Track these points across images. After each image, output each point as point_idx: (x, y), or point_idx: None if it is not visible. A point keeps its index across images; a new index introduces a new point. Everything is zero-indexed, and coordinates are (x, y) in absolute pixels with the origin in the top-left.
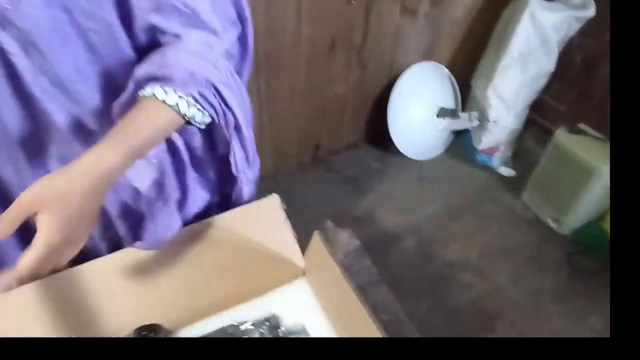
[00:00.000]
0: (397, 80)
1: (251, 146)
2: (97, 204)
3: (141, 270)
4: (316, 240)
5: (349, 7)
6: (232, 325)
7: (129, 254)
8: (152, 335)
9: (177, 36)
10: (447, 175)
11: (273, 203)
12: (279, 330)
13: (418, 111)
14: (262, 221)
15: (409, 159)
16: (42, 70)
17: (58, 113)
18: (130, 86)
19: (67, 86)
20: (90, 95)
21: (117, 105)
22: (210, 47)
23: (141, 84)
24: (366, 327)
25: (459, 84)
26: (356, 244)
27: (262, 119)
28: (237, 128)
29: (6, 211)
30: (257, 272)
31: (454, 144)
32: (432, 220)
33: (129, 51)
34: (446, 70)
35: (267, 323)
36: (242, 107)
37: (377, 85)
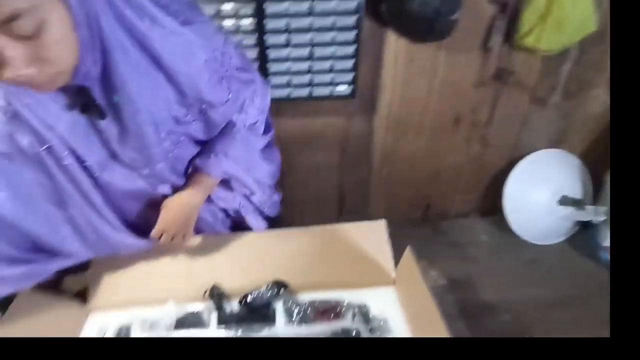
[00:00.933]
0: (520, 161)
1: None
2: (191, 219)
3: (269, 249)
4: (407, 254)
5: (477, 91)
6: (335, 300)
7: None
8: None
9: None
10: (562, 265)
11: (380, 226)
12: (368, 315)
13: (539, 194)
14: (369, 237)
15: (523, 240)
16: None
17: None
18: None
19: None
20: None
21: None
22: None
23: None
24: (438, 329)
25: (592, 175)
26: (443, 283)
27: (381, 172)
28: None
29: None
30: (356, 271)
31: (579, 235)
32: (536, 304)
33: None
34: (577, 159)
35: (359, 307)
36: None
37: (497, 162)
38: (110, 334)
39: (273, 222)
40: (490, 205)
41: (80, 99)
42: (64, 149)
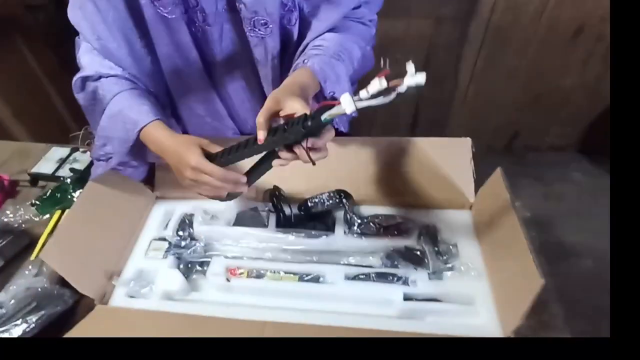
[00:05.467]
0: None
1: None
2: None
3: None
4: (497, 174)
5: None
6: (400, 217)
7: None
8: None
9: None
10: None
11: (464, 144)
12: (437, 236)
13: None
14: (452, 155)
15: None
16: None
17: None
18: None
19: None
20: None
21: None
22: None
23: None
24: (521, 258)
25: None
26: (526, 215)
27: (467, 91)
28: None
29: None
30: (429, 190)
31: None
32: None
33: None
34: None
35: (426, 227)
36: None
37: None
38: (174, 219)
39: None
40: (594, 141)
41: None
42: None
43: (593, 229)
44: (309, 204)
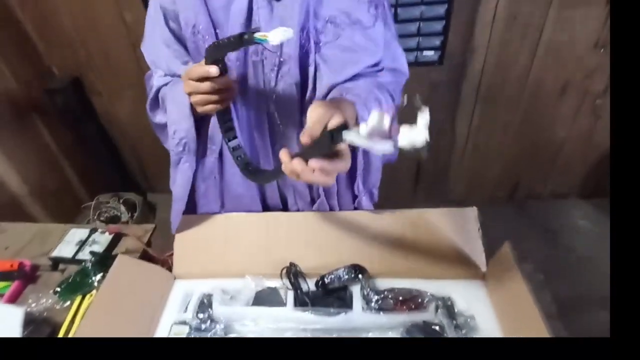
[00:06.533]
0: None
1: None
2: None
3: (356, 229)
4: (505, 248)
5: (595, 54)
6: (416, 290)
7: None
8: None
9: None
10: None
11: (471, 214)
12: (454, 309)
13: None
14: (459, 225)
15: None
16: None
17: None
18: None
19: None
20: None
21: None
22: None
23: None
24: (536, 329)
25: None
26: (540, 278)
27: (466, 147)
28: None
29: None
30: (441, 261)
31: None
32: None
33: None
34: None
35: (442, 300)
36: None
37: (608, 139)
38: (194, 301)
39: None
40: (594, 186)
41: None
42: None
43: (605, 278)
44: (326, 280)
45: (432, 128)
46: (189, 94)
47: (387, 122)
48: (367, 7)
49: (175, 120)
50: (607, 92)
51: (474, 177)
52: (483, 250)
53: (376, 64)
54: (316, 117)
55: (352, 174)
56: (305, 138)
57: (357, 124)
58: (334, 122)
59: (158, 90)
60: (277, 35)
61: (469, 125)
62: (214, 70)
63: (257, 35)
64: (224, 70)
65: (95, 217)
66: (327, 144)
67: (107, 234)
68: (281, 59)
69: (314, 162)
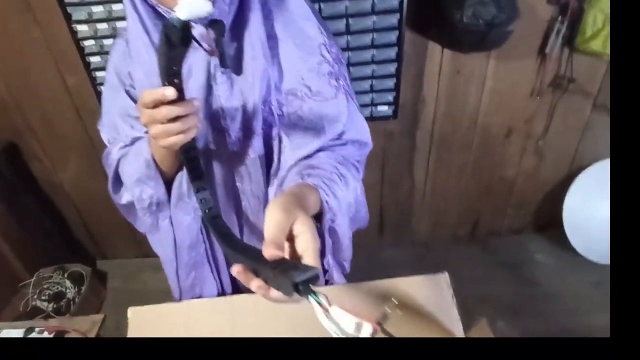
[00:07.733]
0: (581, 174)
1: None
2: None
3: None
4: (482, 324)
5: (532, 101)
6: None
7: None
8: None
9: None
10: None
11: (443, 280)
12: None
13: (604, 209)
14: (430, 295)
15: (585, 259)
16: None
17: None
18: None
19: None
20: None
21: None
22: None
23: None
24: None
25: None
26: (514, 335)
27: (425, 190)
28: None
29: None
30: (421, 331)
31: None
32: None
33: None
34: None
35: None
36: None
37: (554, 175)
38: None
39: None
40: (546, 220)
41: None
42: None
43: (575, 310)
44: None
45: (391, 176)
46: (146, 125)
47: (365, 332)
48: (327, 79)
49: (141, 180)
50: (546, 134)
51: (436, 218)
52: (459, 319)
53: (339, 136)
54: (276, 223)
55: (321, 251)
56: (270, 250)
57: (321, 211)
58: (298, 228)
59: (118, 165)
60: (184, 6)
61: (426, 169)
62: (170, 92)
63: (173, 19)
64: (180, 91)
65: (36, 297)
66: (289, 290)
67: (45, 333)
68: (245, 134)
69: (274, 294)
